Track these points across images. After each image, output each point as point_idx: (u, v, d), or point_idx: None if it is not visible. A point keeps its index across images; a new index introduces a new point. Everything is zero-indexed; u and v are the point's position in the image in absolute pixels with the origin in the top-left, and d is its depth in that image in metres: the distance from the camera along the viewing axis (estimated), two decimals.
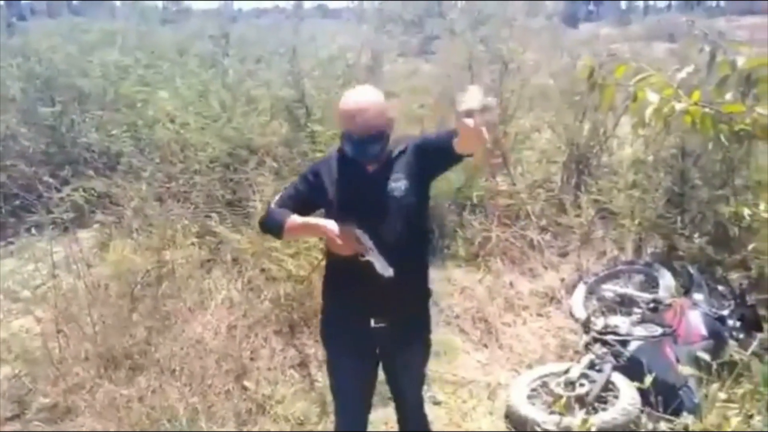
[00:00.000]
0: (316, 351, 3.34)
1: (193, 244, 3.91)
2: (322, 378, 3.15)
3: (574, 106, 4.96)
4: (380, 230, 1.94)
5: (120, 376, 2.97)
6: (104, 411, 2.80)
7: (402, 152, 2.03)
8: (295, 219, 2.01)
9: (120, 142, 5.02)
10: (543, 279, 4.13)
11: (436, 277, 4.11)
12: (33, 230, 3.80)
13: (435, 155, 2.01)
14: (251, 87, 5.37)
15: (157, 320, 3.26)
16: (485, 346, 3.54)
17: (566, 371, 2.91)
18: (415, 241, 2.05)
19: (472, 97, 1.73)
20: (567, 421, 2.38)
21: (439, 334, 3.60)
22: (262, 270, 3.63)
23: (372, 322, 2.03)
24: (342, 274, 2.07)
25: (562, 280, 4.04)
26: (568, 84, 5.29)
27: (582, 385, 2.80)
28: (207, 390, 2.92)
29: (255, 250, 3.62)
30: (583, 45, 6.95)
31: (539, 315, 3.85)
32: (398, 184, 2.00)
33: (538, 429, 2.56)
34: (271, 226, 2.09)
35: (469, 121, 1.70)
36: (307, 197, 2.06)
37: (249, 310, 3.39)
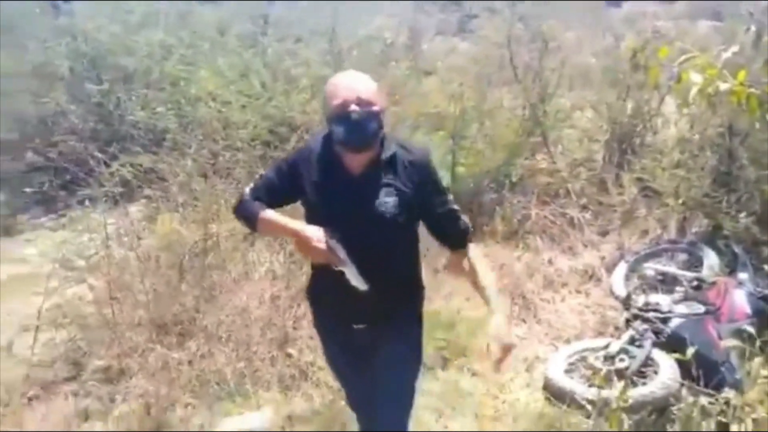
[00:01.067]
0: None
1: None
2: None
3: (616, 84, 4.91)
4: (360, 244, 1.77)
5: (171, 341, 3.13)
6: (157, 373, 2.96)
7: (392, 157, 1.83)
8: (269, 216, 1.88)
9: (165, 120, 5.18)
10: (583, 257, 4.13)
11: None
12: (86, 202, 3.97)
13: (423, 214, 1.88)
14: (291, 66, 5.47)
15: (204, 290, 3.40)
16: (523, 321, 3.59)
17: (606, 346, 2.94)
18: (399, 259, 1.89)
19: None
20: (605, 393, 2.42)
21: (476, 310, 3.67)
22: None
23: (353, 325, 1.93)
24: (325, 274, 1.87)
25: (603, 258, 4.04)
26: (610, 63, 5.23)
27: (622, 360, 2.83)
28: (252, 356, 3.06)
29: None
30: (627, 23, 6.82)
31: (578, 292, 3.87)
32: (388, 200, 1.81)
33: (576, 400, 2.60)
34: (245, 218, 1.96)
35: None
36: (281, 191, 1.92)
37: (291, 281, 3.50)
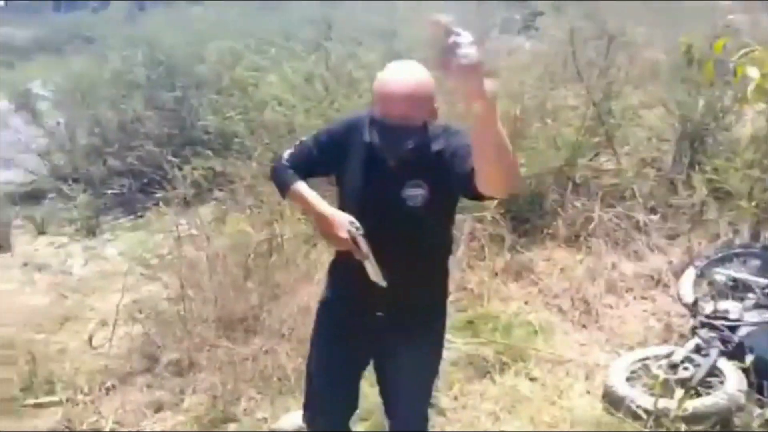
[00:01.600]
0: None
1: (299, 219, 4.19)
2: None
3: (687, 81, 4.73)
4: (383, 237, 1.69)
5: (236, 336, 3.29)
6: (223, 367, 3.11)
7: (438, 152, 1.67)
8: (299, 190, 1.82)
9: (234, 124, 5.42)
10: (649, 261, 4.02)
11: (535, 257, 4.15)
12: (161, 204, 4.22)
13: (457, 179, 1.62)
14: (353, 69, 5.58)
15: (268, 288, 3.55)
16: (584, 326, 3.54)
17: (669, 354, 2.87)
18: (423, 257, 1.79)
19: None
20: (665, 402, 2.38)
21: (535, 313, 3.66)
22: None
23: (373, 312, 1.83)
24: (347, 256, 1.78)
25: (670, 262, 3.92)
26: (681, 58, 5.05)
27: (686, 368, 2.76)
28: None
29: None
30: (700, 17, 6.55)
31: (643, 298, 3.78)
32: (415, 192, 1.69)
33: (636, 409, 2.56)
34: (277, 185, 1.91)
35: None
36: (317, 163, 1.85)
37: None
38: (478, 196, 1.55)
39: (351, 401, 2.01)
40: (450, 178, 1.64)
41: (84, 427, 2.88)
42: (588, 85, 4.86)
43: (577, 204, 4.47)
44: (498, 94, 1.27)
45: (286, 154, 1.89)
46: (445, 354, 3.25)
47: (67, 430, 2.88)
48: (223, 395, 2.99)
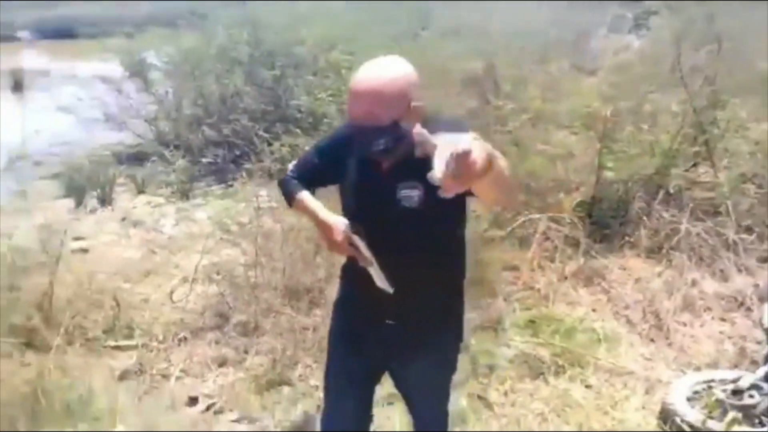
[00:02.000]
0: (473, 316, 3.53)
1: None
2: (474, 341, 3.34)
3: None
4: (384, 242, 1.66)
5: (300, 306, 3.45)
6: (284, 333, 3.28)
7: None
8: (303, 199, 1.80)
9: (325, 105, 5.62)
10: (734, 282, 3.79)
11: (610, 264, 4.03)
12: (244, 175, 4.47)
13: None
14: (444, 60, 5.61)
15: (333, 266, 3.67)
16: (652, 340, 3.41)
17: (737, 379, 2.72)
18: (428, 260, 1.73)
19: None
20: (713, 425, 2.28)
21: (603, 321, 3.56)
22: None
23: (382, 320, 1.80)
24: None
25: (756, 285, 3.68)
26: None
27: (751, 396, 2.60)
28: None
29: None
30: None
31: (722, 319, 3.57)
32: (411, 192, 1.65)
33: (687, 429, 2.46)
34: (284, 196, 1.90)
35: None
36: (318, 173, 1.84)
37: None
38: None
39: (363, 407, 2.00)
40: None
41: (153, 372, 3.14)
42: (690, 91, 4.62)
43: (665, 215, 4.29)
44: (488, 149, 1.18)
45: (291, 165, 1.91)
46: (504, 351, 3.30)
47: (138, 371, 3.15)
48: (281, 359, 3.16)
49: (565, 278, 3.89)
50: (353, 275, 1.82)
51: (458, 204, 1.68)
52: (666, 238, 4.14)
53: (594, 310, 3.67)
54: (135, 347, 3.35)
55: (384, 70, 1.59)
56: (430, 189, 1.46)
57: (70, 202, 5.65)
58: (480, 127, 4.58)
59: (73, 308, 3.48)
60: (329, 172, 1.82)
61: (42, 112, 7.69)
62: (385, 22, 7.35)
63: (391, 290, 1.68)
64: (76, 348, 3.30)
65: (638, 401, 2.95)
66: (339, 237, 1.66)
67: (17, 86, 11.50)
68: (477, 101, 4.93)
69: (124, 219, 5.27)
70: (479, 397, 3.00)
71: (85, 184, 5.69)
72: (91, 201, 5.68)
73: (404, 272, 1.67)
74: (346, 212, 1.77)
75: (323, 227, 1.72)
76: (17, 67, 11.75)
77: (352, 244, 1.67)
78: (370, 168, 1.70)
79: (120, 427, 2.77)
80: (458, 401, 2.81)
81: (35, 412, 2.76)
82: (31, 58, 14.27)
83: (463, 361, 3.10)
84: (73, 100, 7.12)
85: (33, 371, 2.99)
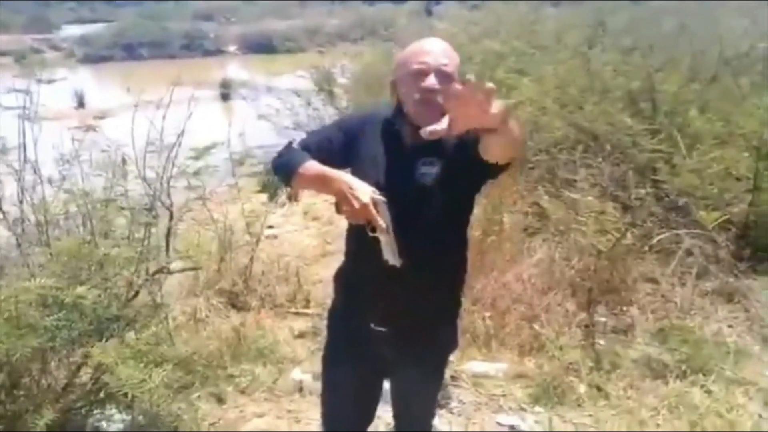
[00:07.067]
0: (606, 320, 3.97)
1: (525, 213, 4.89)
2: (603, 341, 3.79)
3: None
4: (401, 219, 1.69)
5: None
6: None
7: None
8: (313, 165, 1.74)
9: None
10: None
11: (756, 285, 4.17)
12: None
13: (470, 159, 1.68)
14: (611, 77, 5.95)
15: (482, 263, 4.32)
16: None
17: None
18: (438, 241, 1.79)
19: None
20: None
21: (736, 337, 3.79)
22: (575, 242, 4.37)
23: (371, 325, 1.88)
24: (353, 263, 1.94)
25: None
26: None
27: None
28: (503, 322, 3.88)
29: (568, 225, 4.38)
30: None
31: None
32: (429, 169, 1.75)
33: None
34: (284, 168, 1.81)
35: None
36: (332, 151, 1.83)
37: (555, 273, 4.18)
38: (483, 165, 1.65)
39: (364, 412, 2.07)
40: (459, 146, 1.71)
41: (321, 338, 4.05)
42: None
43: None
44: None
45: (296, 139, 1.87)
46: (629, 352, 3.70)
47: (312, 333, 4.08)
48: None
49: (705, 294, 4.14)
50: (346, 280, 1.99)
51: (471, 190, 1.86)
52: None
53: (730, 326, 3.90)
54: (310, 315, 4.30)
55: (444, 42, 1.81)
56: (449, 169, 1.75)
57: (264, 197, 6.97)
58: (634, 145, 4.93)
59: (265, 280, 4.56)
60: (342, 152, 1.84)
61: (245, 119, 9.29)
62: (559, 36, 7.70)
63: (399, 263, 1.69)
64: (266, 310, 4.34)
65: (755, 408, 3.21)
66: (366, 198, 1.65)
67: (225, 95, 13.78)
68: (636, 120, 5.19)
69: (305, 213, 6.46)
70: (598, 389, 3.47)
71: (277, 183, 6.97)
72: (281, 197, 6.96)
73: (413, 252, 1.71)
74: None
75: (345, 190, 1.67)
76: (226, 78, 14.04)
77: (375, 206, 1.68)
78: (395, 145, 1.80)
79: (297, 371, 3.69)
80: None
81: (236, 352, 3.81)
82: (236, 70, 16.77)
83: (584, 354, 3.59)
84: (271, 110, 8.55)
85: (236, 323, 4.05)
